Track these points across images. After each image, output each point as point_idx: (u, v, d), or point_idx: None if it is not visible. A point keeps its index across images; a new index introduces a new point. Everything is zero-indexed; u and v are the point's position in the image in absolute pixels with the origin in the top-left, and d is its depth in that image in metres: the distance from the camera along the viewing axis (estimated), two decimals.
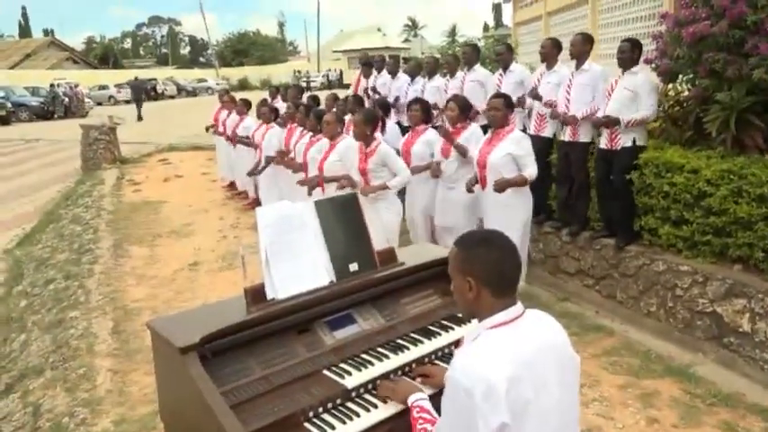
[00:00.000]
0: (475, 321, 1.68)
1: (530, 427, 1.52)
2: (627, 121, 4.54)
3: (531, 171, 4.53)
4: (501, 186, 4.51)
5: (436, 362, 2.23)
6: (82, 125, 13.23)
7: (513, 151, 4.49)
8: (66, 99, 28.67)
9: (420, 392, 1.88)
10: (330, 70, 46.13)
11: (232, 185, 9.72)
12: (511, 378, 1.49)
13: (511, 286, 1.66)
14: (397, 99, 7.79)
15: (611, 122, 4.59)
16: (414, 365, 2.16)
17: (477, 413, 1.47)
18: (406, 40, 56.90)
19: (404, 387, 1.95)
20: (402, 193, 5.72)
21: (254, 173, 7.76)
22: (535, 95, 5.43)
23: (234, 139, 8.74)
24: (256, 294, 2.14)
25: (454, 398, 1.54)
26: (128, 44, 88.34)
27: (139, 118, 23.92)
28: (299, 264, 2.23)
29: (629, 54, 4.63)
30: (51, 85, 30.28)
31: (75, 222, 8.53)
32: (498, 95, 4.81)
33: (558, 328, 1.72)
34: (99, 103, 34.43)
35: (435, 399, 1.95)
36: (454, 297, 1.74)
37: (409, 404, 1.85)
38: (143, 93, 27.59)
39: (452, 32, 50.70)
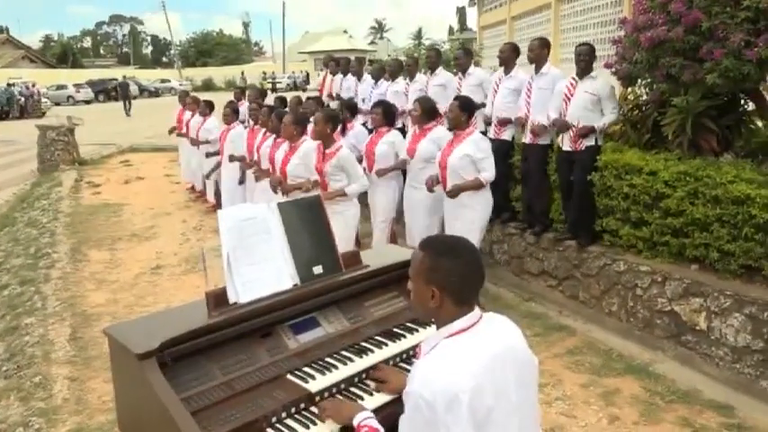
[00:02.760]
0: (432, 327, 1.66)
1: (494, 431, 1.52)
2: (600, 127, 4.68)
3: (488, 174, 4.57)
4: (454, 192, 4.58)
5: (392, 366, 2.19)
6: (38, 126, 12.83)
7: (472, 153, 4.52)
8: (22, 99, 27.80)
9: (365, 411, 1.82)
10: (294, 72, 45.91)
11: (195, 188, 9.57)
12: (473, 388, 1.48)
13: (474, 296, 1.66)
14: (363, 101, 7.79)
15: (588, 131, 4.69)
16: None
17: (440, 425, 1.46)
18: (373, 43, 57.06)
19: (347, 408, 1.88)
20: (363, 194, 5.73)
21: (209, 175, 7.66)
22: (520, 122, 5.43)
23: (197, 141, 8.58)
24: (218, 298, 2.10)
25: (415, 412, 1.51)
26: (87, 43, 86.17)
27: (127, 113, 25.97)
28: (261, 267, 2.20)
29: (590, 58, 4.75)
30: (8, 84, 29.31)
31: (31, 226, 8.26)
32: (455, 98, 4.86)
33: (515, 331, 1.71)
34: (57, 103, 33.49)
35: (392, 405, 1.95)
36: (411, 299, 1.72)
37: (356, 424, 1.78)
38: (128, 90, 28.91)
39: (418, 35, 51.06)
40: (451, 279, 1.60)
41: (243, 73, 40.66)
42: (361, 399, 2.00)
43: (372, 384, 2.06)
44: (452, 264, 1.61)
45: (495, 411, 1.52)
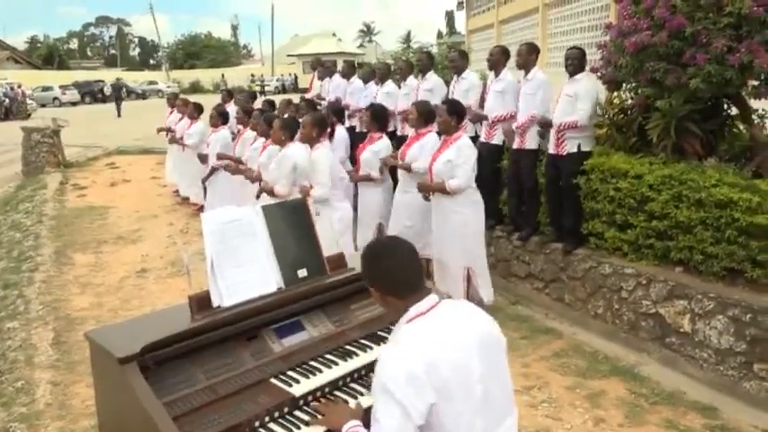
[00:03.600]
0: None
1: (457, 403, 1.61)
2: (558, 123, 4.69)
3: (457, 182, 4.44)
4: (421, 190, 4.62)
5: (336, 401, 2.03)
6: (23, 127, 12.70)
7: (454, 159, 4.46)
8: (7, 100, 27.53)
9: (355, 420, 1.81)
10: (283, 75, 45.86)
11: (180, 192, 9.51)
12: (430, 362, 1.58)
13: (413, 285, 1.75)
14: (347, 106, 7.77)
15: (545, 125, 4.75)
16: (363, 372, 2.14)
17: (405, 401, 1.55)
18: (361, 46, 57.14)
19: (339, 413, 1.87)
20: (354, 198, 5.74)
21: (206, 180, 7.62)
22: (477, 118, 5.52)
23: (182, 143, 8.53)
24: (201, 302, 2.09)
25: (383, 394, 1.59)
26: (74, 44, 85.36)
27: (119, 114, 26.34)
28: (246, 270, 2.19)
29: (578, 62, 4.77)
30: None
31: (14, 229, 8.17)
32: (443, 102, 4.86)
33: (479, 312, 1.81)
34: (43, 105, 33.15)
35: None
36: None
37: (344, 431, 1.78)
38: (121, 92, 29.53)
39: (407, 38, 51.21)
40: (382, 278, 1.77)
41: (223, 75, 40.31)
42: (346, 402, 1.99)
43: (307, 417, 1.93)
44: (377, 266, 1.79)
45: (455, 383, 1.61)
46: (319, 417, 1.90)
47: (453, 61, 6.29)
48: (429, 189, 4.64)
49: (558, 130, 4.75)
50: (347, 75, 8.48)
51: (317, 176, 4.52)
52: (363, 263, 1.83)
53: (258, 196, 5.20)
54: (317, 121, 4.67)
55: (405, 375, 1.56)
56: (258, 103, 8.69)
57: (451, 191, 4.48)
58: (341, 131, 6.39)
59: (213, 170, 7.35)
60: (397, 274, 1.75)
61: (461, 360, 1.64)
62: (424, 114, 4.98)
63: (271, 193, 4.85)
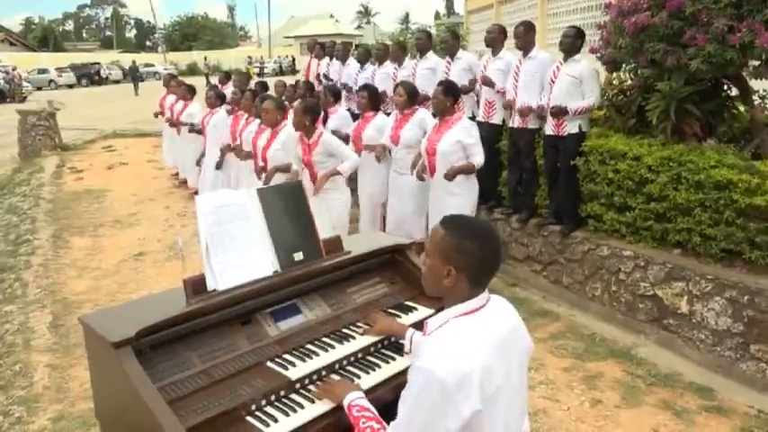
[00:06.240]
0: (421, 308, 1.64)
1: (499, 411, 1.54)
2: (575, 109, 4.63)
3: (479, 159, 4.58)
4: (452, 175, 4.54)
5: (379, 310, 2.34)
6: (19, 110, 12.60)
7: (463, 139, 4.51)
8: (2, 82, 27.31)
9: (357, 391, 1.83)
10: (280, 57, 45.50)
11: (180, 174, 9.48)
12: (483, 367, 1.50)
13: (489, 279, 1.67)
14: (345, 86, 7.73)
15: (560, 112, 4.66)
16: (359, 355, 2.13)
17: (449, 403, 1.46)
18: (359, 27, 56.64)
19: (339, 387, 1.88)
20: (353, 181, 5.71)
21: (199, 162, 7.58)
22: (486, 81, 5.46)
23: (178, 125, 8.50)
24: (196, 285, 2.07)
25: (423, 388, 1.50)
26: (69, 26, 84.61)
27: (136, 93, 28.74)
28: (241, 253, 2.17)
29: (573, 40, 4.71)
30: None
31: (11, 212, 8.14)
32: (439, 83, 4.81)
33: (515, 313, 1.74)
34: (38, 88, 32.94)
35: (381, 387, 1.96)
36: (424, 275, 1.71)
37: (346, 404, 1.79)
38: (137, 73, 32.45)
39: (405, 20, 50.75)
40: (472, 261, 1.60)
41: (206, 58, 39.71)
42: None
43: (360, 329, 2.21)
44: (476, 248, 1.60)
45: (501, 391, 1.54)
46: (319, 390, 1.90)
47: (445, 42, 6.27)
48: (459, 172, 4.54)
49: (573, 114, 4.67)
50: (342, 57, 8.43)
51: (341, 151, 4.56)
52: (457, 238, 1.61)
53: (259, 178, 5.12)
54: (307, 108, 4.55)
55: (458, 376, 1.46)
56: (251, 86, 8.63)
57: (478, 167, 4.59)
58: (344, 111, 6.36)
59: (223, 153, 7.30)
60: (489, 264, 1.63)
61: (507, 369, 1.58)
62: (411, 95, 4.99)
63: (287, 170, 4.77)
